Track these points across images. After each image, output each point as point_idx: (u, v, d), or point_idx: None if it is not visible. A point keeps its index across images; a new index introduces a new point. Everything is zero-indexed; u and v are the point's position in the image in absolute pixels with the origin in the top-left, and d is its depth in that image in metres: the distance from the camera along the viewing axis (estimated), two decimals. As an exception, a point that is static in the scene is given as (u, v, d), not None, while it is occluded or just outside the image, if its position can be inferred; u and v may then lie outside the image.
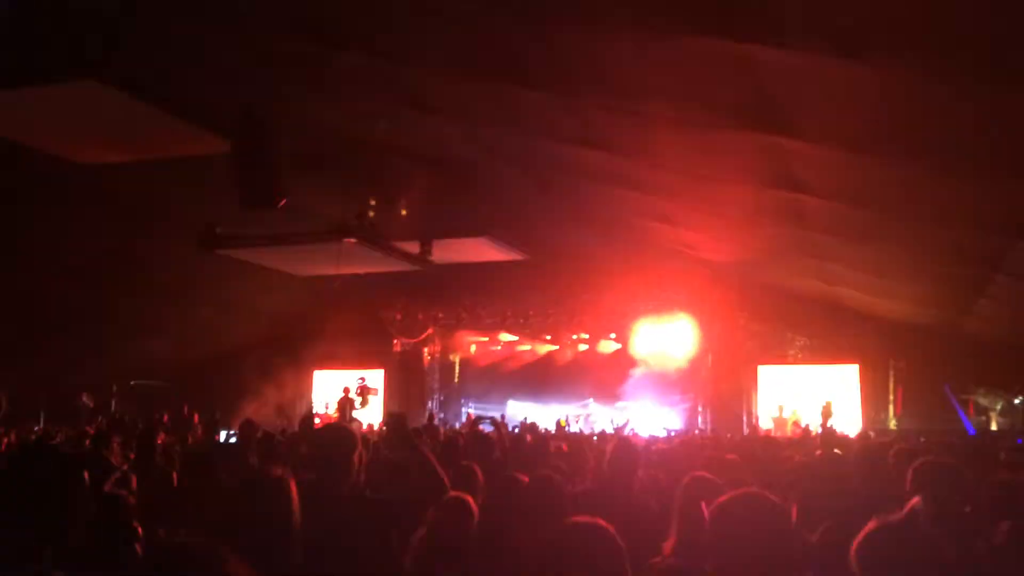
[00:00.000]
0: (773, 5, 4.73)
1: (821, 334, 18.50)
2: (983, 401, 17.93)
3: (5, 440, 8.71)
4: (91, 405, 15.61)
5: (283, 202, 9.11)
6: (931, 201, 7.58)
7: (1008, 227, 7.43)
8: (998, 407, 17.86)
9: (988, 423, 17.40)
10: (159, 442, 7.00)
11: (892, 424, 18.68)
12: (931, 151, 6.24)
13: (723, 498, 2.36)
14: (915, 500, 2.15)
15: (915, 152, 6.30)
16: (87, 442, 8.10)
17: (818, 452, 6.78)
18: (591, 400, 20.69)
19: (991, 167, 6.15)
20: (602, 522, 2.33)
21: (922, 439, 9.30)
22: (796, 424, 17.17)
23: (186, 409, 13.31)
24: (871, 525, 2.14)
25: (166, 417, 13.53)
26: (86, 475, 2.28)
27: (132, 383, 17.03)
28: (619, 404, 20.14)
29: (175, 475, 5.35)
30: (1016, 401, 17.51)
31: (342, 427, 3.86)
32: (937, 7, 4.27)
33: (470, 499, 3.54)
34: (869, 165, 6.98)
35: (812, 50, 5.06)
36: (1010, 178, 6.29)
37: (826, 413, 15.97)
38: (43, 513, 2.15)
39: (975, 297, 10.95)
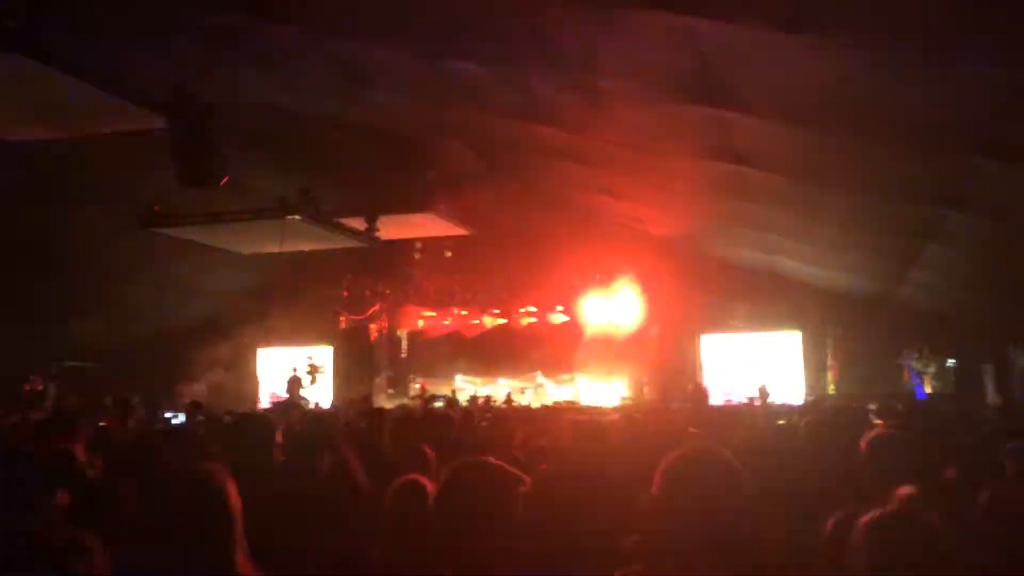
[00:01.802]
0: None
1: (763, 302, 18.88)
2: (917, 365, 18.54)
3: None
4: (39, 389, 15.17)
5: (224, 180, 8.92)
6: (866, 172, 7.75)
7: (940, 198, 7.64)
8: (931, 371, 18.50)
9: (922, 386, 18.02)
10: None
11: (831, 390, 19.23)
12: (866, 123, 6.36)
13: (674, 455, 2.30)
14: (908, 489, 2.17)
15: (852, 124, 6.43)
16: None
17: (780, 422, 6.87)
18: (539, 373, 20.82)
19: (924, 139, 6.30)
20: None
21: (871, 407, 9.51)
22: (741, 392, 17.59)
23: (127, 391, 13.02)
24: (873, 515, 2.15)
25: (109, 400, 13.23)
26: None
27: (65, 364, 16.57)
28: (564, 376, 20.36)
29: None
30: (947, 364, 18.16)
31: (260, 415, 3.80)
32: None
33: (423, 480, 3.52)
34: (808, 137, 7.10)
35: (753, 23, 5.10)
36: (942, 151, 6.45)
37: (763, 394, 16.33)
38: None
39: (908, 266, 11.27)
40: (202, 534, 2.20)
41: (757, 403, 14.63)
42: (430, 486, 3.43)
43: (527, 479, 2.49)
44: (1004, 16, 4.26)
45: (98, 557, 1.92)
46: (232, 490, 2.31)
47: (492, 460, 2.42)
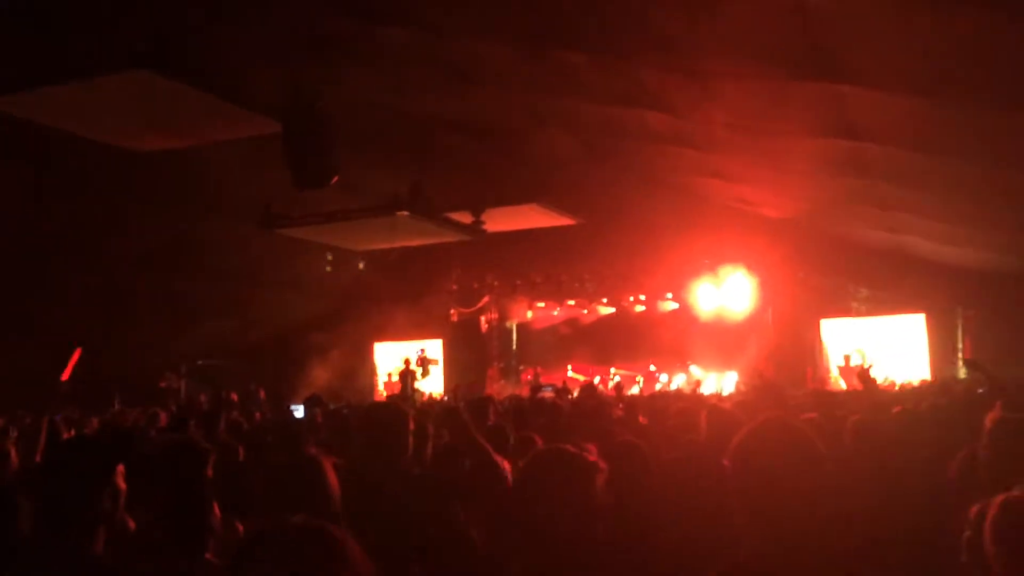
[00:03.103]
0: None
1: (884, 285, 18.07)
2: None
3: (87, 426, 9.00)
4: (176, 386, 16.08)
5: (335, 180, 9.19)
6: (997, 142, 7.30)
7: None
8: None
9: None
10: (224, 418, 7.14)
11: (961, 373, 18.23)
12: (994, 90, 5.98)
13: (746, 428, 2.23)
14: None
15: (978, 92, 6.05)
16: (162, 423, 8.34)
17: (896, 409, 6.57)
18: (652, 365, 20.61)
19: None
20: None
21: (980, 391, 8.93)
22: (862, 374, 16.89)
23: (253, 386, 13.63)
24: (1000, 500, 2.08)
25: (235, 395, 13.88)
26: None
27: (199, 362, 17.46)
28: (677, 366, 20.07)
29: (241, 450, 5.44)
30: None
31: (393, 405, 3.88)
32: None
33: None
34: (932, 108, 6.73)
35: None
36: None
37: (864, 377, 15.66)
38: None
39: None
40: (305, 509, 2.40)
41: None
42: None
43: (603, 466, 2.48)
44: None
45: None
46: (331, 472, 2.53)
47: (569, 448, 2.43)
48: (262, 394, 13.51)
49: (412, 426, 3.40)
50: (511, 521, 2.47)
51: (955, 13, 4.97)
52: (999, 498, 2.12)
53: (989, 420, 3.36)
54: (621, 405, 8.65)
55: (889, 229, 13.15)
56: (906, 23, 5.30)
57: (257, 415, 9.97)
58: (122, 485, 2.34)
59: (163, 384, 16.02)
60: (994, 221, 10.60)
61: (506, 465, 4.14)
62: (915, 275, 16.79)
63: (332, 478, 2.55)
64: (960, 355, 18.09)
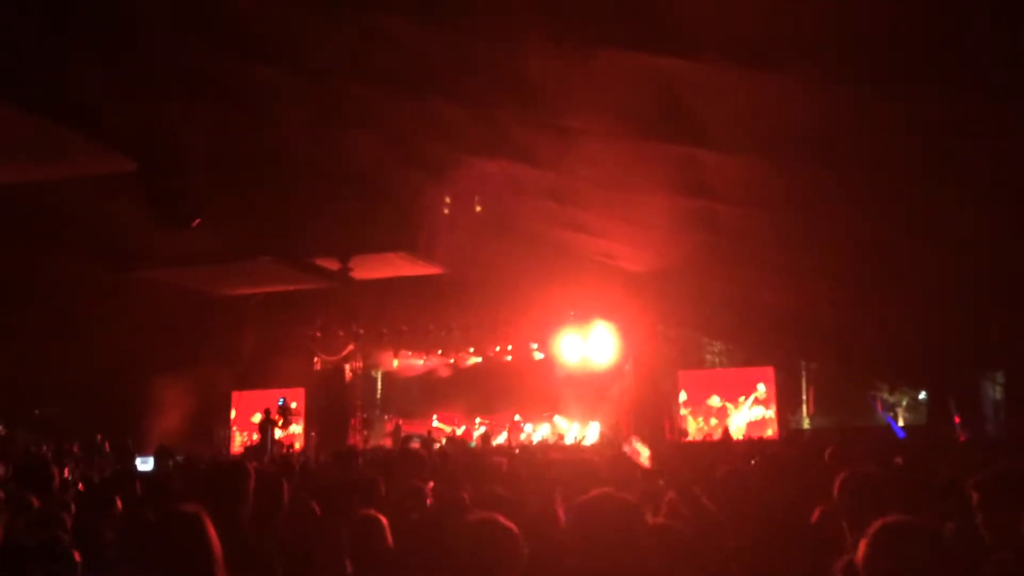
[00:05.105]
0: (683, 19, 4.86)
1: (736, 338, 18.99)
2: (889, 399, 18.72)
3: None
4: (2, 433, 14.84)
5: (197, 222, 8.88)
6: (837, 202, 7.87)
7: (908, 227, 7.78)
8: (903, 403, 18.67)
9: (896, 419, 18.16)
10: (61, 476, 6.66)
11: (806, 423, 19.32)
12: (835, 155, 6.49)
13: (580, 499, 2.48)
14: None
15: (821, 156, 6.54)
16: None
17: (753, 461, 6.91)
18: (517, 415, 20.73)
19: (889, 170, 6.44)
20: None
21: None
22: (718, 427, 17.62)
23: (99, 437, 12.80)
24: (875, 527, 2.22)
25: (76, 447, 12.97)
26: None
27: (36, 411, 16.24)
28: (543, 415, 20.29)
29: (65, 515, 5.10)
30: (920, 397, 18.34)
31: (233, 464, 3.74)
32: (835, 17, 4.47)
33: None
34: (779, 170, 7.21)
35: (723, 62, 5.21)
36: (914, 181, 6.59)
37: (726, 434, 16.50)
38: None
39: (878, 295, 11.41)
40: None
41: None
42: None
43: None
44: (955, 52, 4.41)
45: None
46: (210, 528, 2.32)
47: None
48: (107, 446, 12.69)
49: (252, 485, 3.28)
50: None
51: (798, 85, 5.39)
52: (873, 527, 2.24)
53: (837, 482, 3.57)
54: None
55: (738, 284, 13.86)
56: (754, 92, 5.69)
57: (104, 470, 9.38)
58: None
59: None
60: (826, 274, 11.33)
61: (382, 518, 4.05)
62: (763, 330, 17.77)
63: (212, 535, 2.39)
64: (804, 405, 19.20)
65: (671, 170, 7.90)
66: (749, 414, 18.07)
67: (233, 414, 21.31)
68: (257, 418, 18.04)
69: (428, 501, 4.69)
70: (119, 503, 4.73)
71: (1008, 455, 7.97)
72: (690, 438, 18.41)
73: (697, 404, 19.19)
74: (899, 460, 7.06)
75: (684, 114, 6.28)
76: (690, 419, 19.01)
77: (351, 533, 3.45)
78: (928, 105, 5.06)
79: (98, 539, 3.61)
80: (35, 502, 4.84)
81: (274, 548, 3.21)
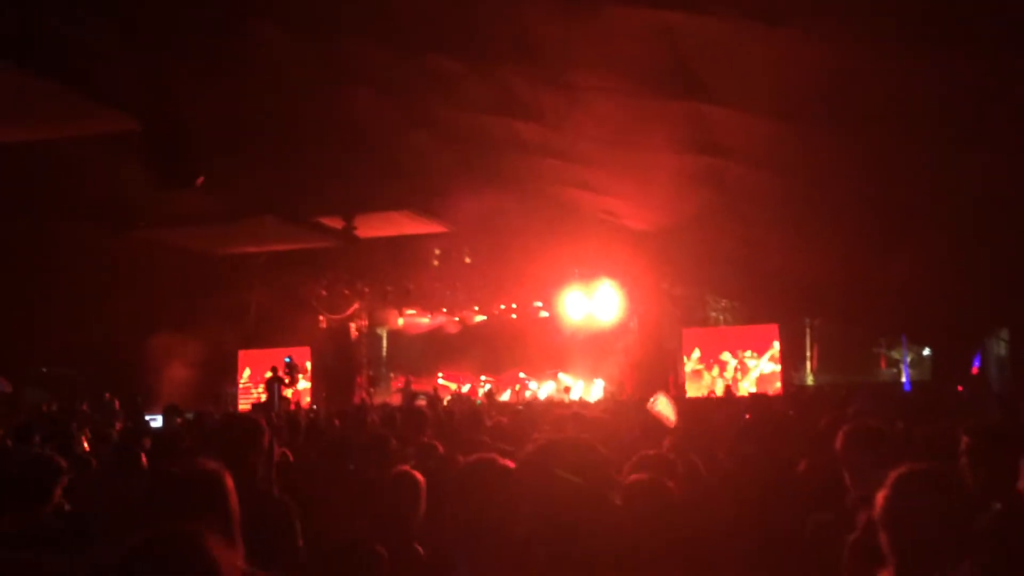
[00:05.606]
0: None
1: (741, 296, 19.00)
2: (894, 354, 18.78)
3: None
4: (8, 390, 14.93)
5: (200, 181, 8.85)
6: (849, 163, 7.81)
7: (919, 187, 7.73)
8: (908, 360, 18.73)
9: (899, 375, 18.24)
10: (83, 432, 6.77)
11: (809, 380, 19.41)
12: (848, 115, 6.42)
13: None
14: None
15: (833, 116, 6.48)
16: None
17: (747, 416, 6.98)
18: (522, 373, 20.86)
19: (906, 130, 6.37)
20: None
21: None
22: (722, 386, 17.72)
23: (107, 395, 12.92)
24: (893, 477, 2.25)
25: (85, 405, 13.10)
26: None
27: (44, 369, 16.35)
28: (547, 373, 20.41)
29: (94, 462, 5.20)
30: (924, 353, 18.39)
31: (247, 418, 3.76)
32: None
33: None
34: (789, 130, 7.14)
35: (731, 16, 5.13)
36: (924, 138, 6.53)
37: (728, 392, 16.57)
38: None
39: (886, 254, 11.38)
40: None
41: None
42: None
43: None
44: (972, 4, 4.33)
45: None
46: (231, 485, 2.36)
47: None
48: (117, 404, 12.81)
49: (266, 442, 3.31)
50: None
51: (808, 45, 5.31)
52: (891, 476, 2.26)
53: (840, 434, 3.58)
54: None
55: (746, 242, 13.82)
56: (767, 50, 5.61)
57: (118, 425, 9.48)
58: None
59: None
60: (834, 234, 11.30)
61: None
62: (768, 287, 17.77)
63: (232, 491, 2.42)
64: (808, 362, 19.28)
65: (678, 128, 7.83)
66: (763, 370, 18.14)
67: (242, 373, 21.47)
68: (268, 375, 18.16)
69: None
70: (144, 459, 4.81)
71: (1008, 410, 8.01)
72: (691, 395, 18.53)
73: (711, 359, 19.15)
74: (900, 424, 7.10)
75: (692, 70, 6.21)
76: (705, 374, 19.02)
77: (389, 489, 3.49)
78: (943, 61, 4.99)
79: (127, 495, 3.67)
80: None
81: (290, 505, 3.25)
